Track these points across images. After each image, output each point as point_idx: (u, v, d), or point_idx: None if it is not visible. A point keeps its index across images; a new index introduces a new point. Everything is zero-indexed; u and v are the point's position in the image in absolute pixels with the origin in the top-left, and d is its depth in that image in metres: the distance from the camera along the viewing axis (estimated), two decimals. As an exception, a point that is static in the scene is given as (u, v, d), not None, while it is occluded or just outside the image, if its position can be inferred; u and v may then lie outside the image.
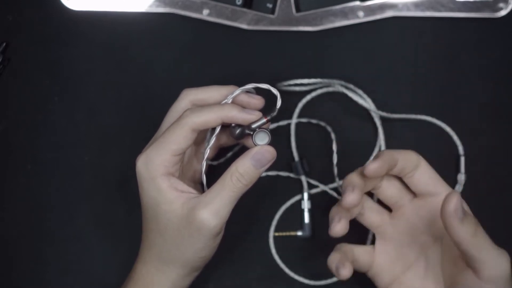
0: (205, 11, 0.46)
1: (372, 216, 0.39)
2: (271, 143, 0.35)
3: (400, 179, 0.38)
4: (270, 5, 0.45)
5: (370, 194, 0.39)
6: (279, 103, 0.36)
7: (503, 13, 0.45)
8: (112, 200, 0.45)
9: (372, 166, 0.34)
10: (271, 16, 0.46)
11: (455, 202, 0.31)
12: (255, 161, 0.34)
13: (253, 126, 0.35)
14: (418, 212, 0.37)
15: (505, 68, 0.46)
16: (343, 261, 0.36)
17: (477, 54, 0.46)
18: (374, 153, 0.45)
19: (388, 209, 0.39)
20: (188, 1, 0.46)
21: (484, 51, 0.46)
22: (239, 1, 0.45)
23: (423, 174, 0.36)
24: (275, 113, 0.36)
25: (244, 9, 0.46)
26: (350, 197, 0.35)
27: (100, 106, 0.46)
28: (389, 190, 0.38)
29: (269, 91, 0.36)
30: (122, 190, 0.45)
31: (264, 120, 0.35)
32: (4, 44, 0.47)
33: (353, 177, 0.36)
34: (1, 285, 0.45)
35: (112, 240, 0.45)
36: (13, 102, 0.47)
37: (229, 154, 0.44)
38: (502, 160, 0.45)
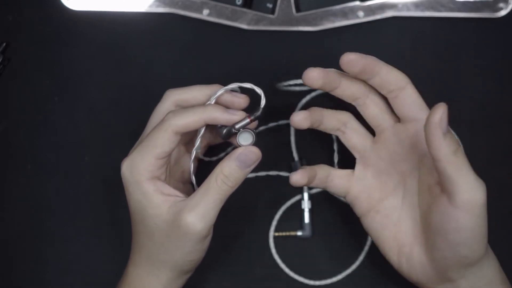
0: (205, 11, 0.46)
1: (354, 137, 0.38)
2: (257, 143, 0.35)
3: (386, 101, 0.36)
4: (270, 5, 0.45)
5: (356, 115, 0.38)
6: (263, 102, 0.36)
7: (503, 13, 0.45)
8: (112, 200, 0.45)
9: (348, 57, 0.34)
10: (271, 16, 0.46)
11: (441, 114, 0.30)
12: (239, 162, 0.34)
13: (237, 126, 0.35)
14: (399, 137, 0.36)
15: (505, 68, 0.46)
16: (302, 171, 0.36)
17: (477, 54, 0.46)
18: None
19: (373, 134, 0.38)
20: (188, 1, 0.46)
21: (484, 51, 0.46)
22: (239, 1, 0.45)
23: (408, 97, 0.35)
24: (259, 113, 0.35)
25: (244, 9, 0.46)
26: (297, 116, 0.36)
27: (100, 106, 0.46)
28: (372, 108, 0.36)
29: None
30: (122, 190, 0.45)
31: (248, 120, 0.35)
32: (4, 44, 0.47)
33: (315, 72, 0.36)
34: (1, 285, 0.45)
35: (112, 240, 0.45)
36: (13, 102, 0.47)
37: (229, 149, 0.44)
38: (502, 160, 0.45)
